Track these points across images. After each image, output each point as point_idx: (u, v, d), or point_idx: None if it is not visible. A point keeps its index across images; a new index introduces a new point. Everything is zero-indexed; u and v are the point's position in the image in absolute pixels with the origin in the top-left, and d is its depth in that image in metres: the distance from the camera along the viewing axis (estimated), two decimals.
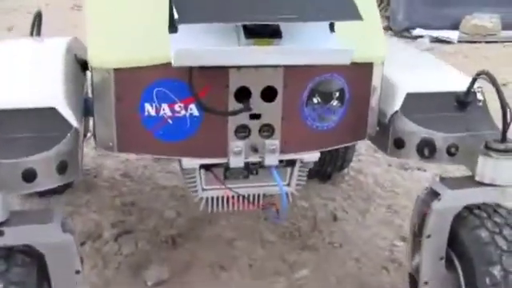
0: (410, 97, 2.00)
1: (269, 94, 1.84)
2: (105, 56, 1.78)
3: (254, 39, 1.71)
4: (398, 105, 2.00)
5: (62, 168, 1.72)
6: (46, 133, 1.71)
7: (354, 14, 1.69)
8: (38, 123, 1.71)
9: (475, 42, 7.35)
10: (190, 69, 1.72)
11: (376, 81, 1.98)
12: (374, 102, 2.01)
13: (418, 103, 2.00)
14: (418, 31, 7.54)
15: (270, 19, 1.68)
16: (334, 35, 1.81)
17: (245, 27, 1.72)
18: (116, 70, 1.76)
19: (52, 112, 1.73)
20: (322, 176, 3.44)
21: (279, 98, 1.85)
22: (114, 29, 1.80)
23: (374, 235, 2.97)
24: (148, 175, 3.54)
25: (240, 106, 1.82)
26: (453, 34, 7.40)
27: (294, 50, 1.74)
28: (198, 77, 1.75)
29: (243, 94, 1.81)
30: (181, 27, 1.69)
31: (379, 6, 5.82)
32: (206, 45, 1.72)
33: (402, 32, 7.65)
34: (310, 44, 1.78)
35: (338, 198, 3.33)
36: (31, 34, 2.59)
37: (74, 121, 1.75)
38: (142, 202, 3.22)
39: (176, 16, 1.61)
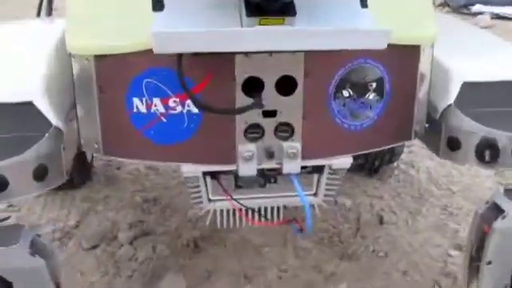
0: (466, 87, 1.78)
1: (286, 86, 1.60)
2: (84, 41, 1.60)
3: (258, 18, 1.42)
4: (452, 97, 1.78)
5: (40, 174, 1.54)
6: (21, 132, 1.54)
7: None
8: (12, 121, 1.55)
9: None
10: (179, 56, 1.46)
11: (424, 67, 1.76)
12: (421, 93, 1.80)
13: (476, 95, 1.78)
14: (477, 7, 7.50)
15: None
16: (366, 12, 1.54)
17: (247, 2, 1.42)
18: (97, 58, 1.58)
19: (29, 107, 1.55)
20: (369, 170, 3.25)
21: (299, 90, 1.61)
22: (95, 11, 1.63)
23: (426, 242, 2.74)
24: (175, 167, 3.29)
25: (250, 100, 1.58)
26: None
27: (311, 32, 1.43)
28: (193, 65, 1.50)
29: (253, 86, 1.58)
30: (168, 4, 1.43)
31: None
32: (199, 26, 1.45)
33: (460, 8, 7.59)
34: (334, 23, 1.50)
35: (385, 196, 3.11)
36: (38, 15, 2.51)
37: (53, 118, 1.57)
38: (165, 199, 3.06)
39: None
